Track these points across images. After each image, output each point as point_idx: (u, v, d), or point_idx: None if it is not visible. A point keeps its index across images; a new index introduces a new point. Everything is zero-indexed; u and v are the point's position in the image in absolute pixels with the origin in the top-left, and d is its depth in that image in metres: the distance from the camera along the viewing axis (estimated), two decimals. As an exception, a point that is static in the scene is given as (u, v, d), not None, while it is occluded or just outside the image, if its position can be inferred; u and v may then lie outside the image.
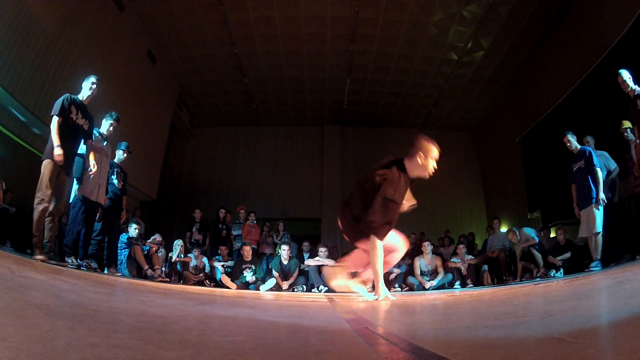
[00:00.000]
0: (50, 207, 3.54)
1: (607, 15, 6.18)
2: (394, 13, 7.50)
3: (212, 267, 6.33)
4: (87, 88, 4.02)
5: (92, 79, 4.05)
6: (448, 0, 7.16)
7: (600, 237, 4.24)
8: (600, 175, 4.35)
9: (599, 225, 4.23)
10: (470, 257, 6.40)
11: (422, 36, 8.02)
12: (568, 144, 4.77)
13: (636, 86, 4.14)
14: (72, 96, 3.86)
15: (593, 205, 4.30)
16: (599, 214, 4.27)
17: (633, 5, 5.52)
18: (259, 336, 1.00)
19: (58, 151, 3.51)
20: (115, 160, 5.02)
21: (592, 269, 4.17)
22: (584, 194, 4.50)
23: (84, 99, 4.01)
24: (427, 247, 6.30)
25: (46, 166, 3.53)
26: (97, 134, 4.44)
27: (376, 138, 11.57)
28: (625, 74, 4.20)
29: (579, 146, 4.72)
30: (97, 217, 4.49)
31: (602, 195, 4.27)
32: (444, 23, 7.69)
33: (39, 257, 3.32)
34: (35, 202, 3.49)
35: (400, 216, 2.57)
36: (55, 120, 3.62)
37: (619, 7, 5.86)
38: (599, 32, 6.37)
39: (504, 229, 8.65)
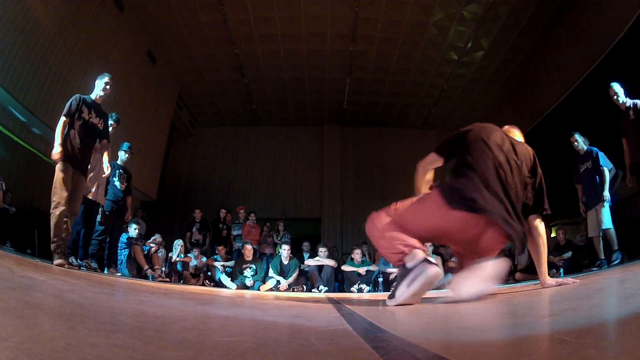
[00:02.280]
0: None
1: (607, 15, 6.18)
2: (394, 13, 7.50)
3: (212, 267, 6.33)
4: (99, 87, 3.90)
5: (106, 78, 3.92)
6: (448, 0, 7.17)
7: (612, 231, 4.24)
8: (607, 175, 4.36)
9: (607, 222, 4.25)
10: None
11: (422, 36, 8.02)
12: (575, 144, 4.75)
13: (627, 99, 4.13)
14: (83, 96, 3.75)
15: (600, 204, 4.30)
16: (606, 211, 4.28)
17: (633, 6, 5.52)
18: (259, 336, 1.00)
19: (56, 149, 3.43)
20: (118, 161, 4.98)
21: (613, 261, 4.15)
22: (590, 193, 4.50)
23: (97, 97, 3.89)
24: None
25: (58, 169, 3.46)
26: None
27: (376, 138, 11.57)
28: (617, 87, 4.19)
29: (585, 147, 4.70)
30: (99, 219, 4.47)
31: (606, 194, 4.28)
32: (444, 23, 7.69)
33: (58, 261, 3.19)
34: (52, 206, 3.38)
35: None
36: (61, 121, 3.56)
37: (619, 7, 5.86)
38: (599, 32, 6.37)
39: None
